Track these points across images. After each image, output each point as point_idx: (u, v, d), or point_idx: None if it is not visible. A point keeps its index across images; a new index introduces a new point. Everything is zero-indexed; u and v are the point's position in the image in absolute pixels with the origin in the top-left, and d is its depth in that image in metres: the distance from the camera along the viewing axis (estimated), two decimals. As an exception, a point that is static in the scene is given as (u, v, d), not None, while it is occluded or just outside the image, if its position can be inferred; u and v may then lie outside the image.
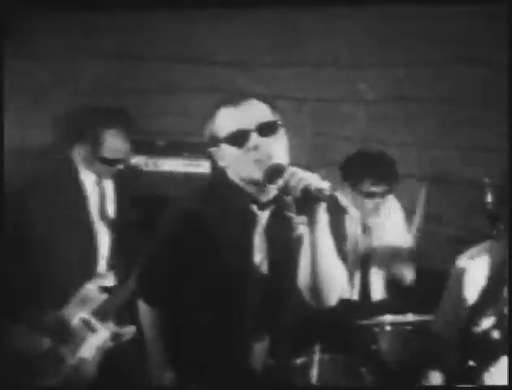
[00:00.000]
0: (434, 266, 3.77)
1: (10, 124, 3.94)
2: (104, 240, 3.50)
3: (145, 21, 4.58)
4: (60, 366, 3.23)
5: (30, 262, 3.33)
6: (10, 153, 3.75)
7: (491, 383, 2.69)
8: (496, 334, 2.72)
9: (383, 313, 3.55)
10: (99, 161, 3.41)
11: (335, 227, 2.23)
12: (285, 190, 2.15)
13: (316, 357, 3.20)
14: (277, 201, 2.31)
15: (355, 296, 3.82)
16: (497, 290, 2.77)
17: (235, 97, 2.35)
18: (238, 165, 2.29)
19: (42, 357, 3.22)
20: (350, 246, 3.65)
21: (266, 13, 4.49)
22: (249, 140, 2.25)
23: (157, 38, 4.63)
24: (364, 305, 3.78)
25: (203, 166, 4.21)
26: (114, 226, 3.52)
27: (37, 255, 3.33)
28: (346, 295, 3.63)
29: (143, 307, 2.59)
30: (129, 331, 3.30)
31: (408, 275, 3.86)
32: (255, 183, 2.28)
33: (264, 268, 2.37)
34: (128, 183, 3.64)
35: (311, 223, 2.16)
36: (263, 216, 2.35)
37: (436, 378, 2.86)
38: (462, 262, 2.90)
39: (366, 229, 3.82)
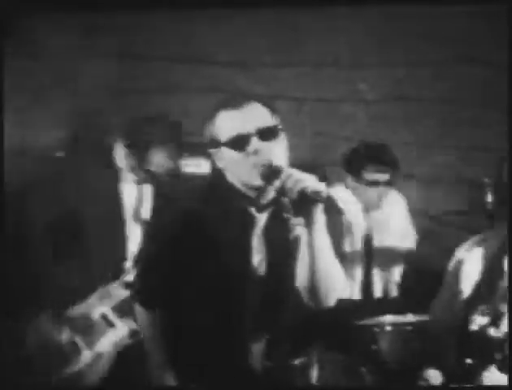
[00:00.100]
0: (434, 266, 3.77)
1: (10, 124, 3.94)
2: (135, 240, 3.51)
3: (145, 21, 4.58)
4: (76, 358, 3.24)
5: (30, 262, 3.33)
6: (10, 153, 3.75)
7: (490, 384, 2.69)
8: (492, 331, 2.73)
9: (383, 313, 3.56)
10: (144, 173, 3.44)
11: (332, 228, 2.24)
12: (282, 192, 2.16)
13: (316, 357, 3.20)
14: (275, 202, 2.31)
15: (356, 296, 3.83)
16: (493, 282, 2.78)
17: (235, 98, 2.35)
18: (238, 169, 2.29)
19: (61, 347, 3.22)
20: (351, 246, 3.68)
21: (266, 13, 4.49)
22: (250, 144, 2.24)
23: (157, 38, 4.63)
24: (366, 304, 3.80)
25: (203, 166, 4.21)
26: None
27: (37, 255, 3.33)
28: (345, 295, 3.63)
29: (139, 308, 2.58)
30: None
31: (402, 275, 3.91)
32: (255, 188, 2.28)
33: (263, 269, 2.37)
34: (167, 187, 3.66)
35: (308, 224, 2.16)
36: (261, 218, 2.35)
37: (435, 377, 2.86)
38: (459, 254, 2.93)
39: (368, 227, 3.83)
